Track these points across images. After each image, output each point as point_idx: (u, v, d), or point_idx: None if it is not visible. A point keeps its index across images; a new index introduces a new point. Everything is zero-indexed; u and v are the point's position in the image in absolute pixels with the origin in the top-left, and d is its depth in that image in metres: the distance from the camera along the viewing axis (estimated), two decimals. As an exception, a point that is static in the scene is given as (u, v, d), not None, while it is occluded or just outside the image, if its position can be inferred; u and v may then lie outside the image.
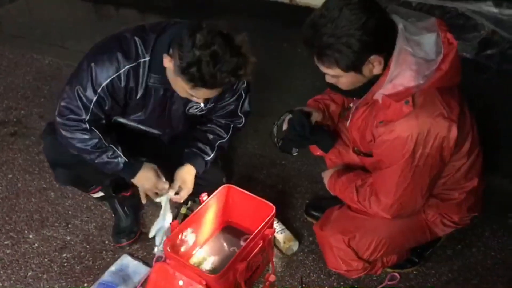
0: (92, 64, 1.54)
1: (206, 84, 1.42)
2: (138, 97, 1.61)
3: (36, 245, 2.05)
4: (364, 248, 1.65)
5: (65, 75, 2.97)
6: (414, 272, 1.89)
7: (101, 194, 1.98)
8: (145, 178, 1.75)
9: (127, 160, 1.71)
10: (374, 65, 1.37)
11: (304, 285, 1.88)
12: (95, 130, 1.64)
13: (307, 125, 1.62)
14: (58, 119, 1.63)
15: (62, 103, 1.61)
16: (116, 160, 1.70)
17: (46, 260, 1.99)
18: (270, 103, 2.68)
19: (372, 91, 1.45)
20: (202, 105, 1.62)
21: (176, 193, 1.79)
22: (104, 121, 1.67)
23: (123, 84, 1.56)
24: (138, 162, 1.74)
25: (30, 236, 2.09)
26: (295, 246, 1.97)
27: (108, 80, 1.54)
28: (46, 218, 2.16)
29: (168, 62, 1.48)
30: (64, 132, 1.64)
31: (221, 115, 1.82)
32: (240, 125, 1.85)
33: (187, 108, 1.72)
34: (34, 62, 3.16)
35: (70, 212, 2.19)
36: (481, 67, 2.85)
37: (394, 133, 1.41)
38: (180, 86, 1.50)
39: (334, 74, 1.41)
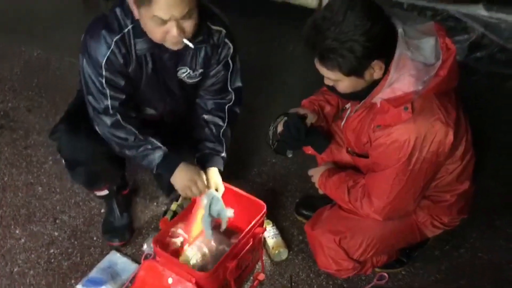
0: (87, 50, 1.56)
1: None
2: (130, 69, 1.61)
3: (22, 240, 2.03)
4: (354, 248, 1.66)
5: (54, 67, 2.99)
6: (403, 272, 1.90)
7: (106, 192, 1.95)
8: (181, 178, 1.70)
9: (167, 151, 1.69)
10: (375, 69, 1.37)
11: (293, 284, 1.88)
12: (129, 123, 1.65)
13: (302, 128, 1.62)
14: (93, 118, 1.66)
15: (86, 100, 1.64)
16: (155, 151, 1.68)
17: (32, 256, 1.97)
18: (262, 101, 2.68)
19: (371, 95, 1.45)
20: (189, 43, 1.52)
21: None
22: (133, 114, 1.68)
23: (119, 57, 1.56)
24: (177, 158, 1.70)
25: (17, 231, 2.06)
26: (284, 253, 1.96)
27: (106, 58, 1.55)
28: (33, 213, 2.14)
29: (136, 12, 1.47)
30: (100, 128, 1.66)
31: (213, 90, 1.77)
32: (232, 103, 1.79)
33: (178, 75, 1.69)
34: (22, 55, 3.11)
35: (57, 208, 2.16)
36: (470, 69, 2.89)
37: (391, 137, 1.42)
38: (146, 18, 1.44)
39: (334, 78, 1.41)
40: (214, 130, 1.80)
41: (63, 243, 2.02)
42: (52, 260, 1.95)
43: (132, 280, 1.81)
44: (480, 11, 2.80)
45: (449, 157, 1.52)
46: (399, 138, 1.41)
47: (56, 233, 2.05)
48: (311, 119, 1.69)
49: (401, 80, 1.37)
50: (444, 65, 1.38)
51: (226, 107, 1.79)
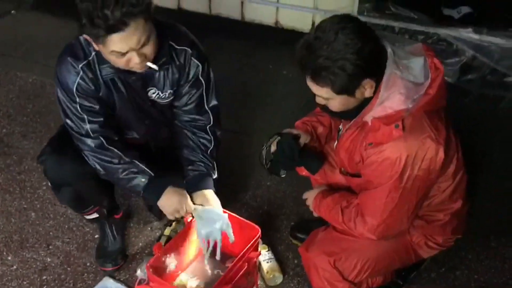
0: (58, 78, 1.61)
1: (107, 28, 1.35)
2: (101, 94, 1.64)
3: (15, 267, 2.00)
4: (349, 269, 1.65)
5: (49, 93, 3.00)
6: (399, 295, 1.89)
7: (95, 215, 1.94)
8: (170, 202, 1.70)
9: (152, 175, 1.69)
10: (366, 88, 1.39)
11: (288, 309, 1.86)
12: (113, 147, 1.66)
13: (295, 148, 1.63)
14: (77, 143, 1.68)
15: (66, 125, 1.67)
16: (140, 175, 1.68)
17: (25, 282, 1.94)
18: (256, 123, 2.70)
19: (362, 114, 1.47)
20: (153, 66, 1.53)
21: None
22: (117, 137, 1.70)
23: (89, 83, 1.60)
24: (163, 182, 1.70)
25: (9, 257, 2.04)
26: (279, 278, 1.94)
27: (76, 84, 1.59)
28: (26, 239, 2.12)
29: (94, 45, 1.49)
30: (85, 153, 1.68)
31: (189, 110, 1.75)
32: (211, 123, 1.77)
33: (149, 95, 1.69)
34: (18, 80, 3.13)
35: (51, 233, 2.14)
36: (462, 91, 2.92)
37: (383, 154, 1.43)
38: (106, 53, 1.46)
39: (326, 96, 1.43)
40: (202, 152, 1.78)
41: (56, 269, 1.99)
42: (45, 287, 1.93)
43: (126, 306, 1.79)
44: (470, 34, 2.85)
45: (441, 175, 1.52)
46: (391, 156, 1.42)
47: (49, 259, 2.03)
48: (304, 139, 1.70)
49: (391, 98, 1.39)
50: (433, 84, 1.41)
51: (208, 128, 1.78)
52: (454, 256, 2.00)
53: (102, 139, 1.65)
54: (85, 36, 1.49)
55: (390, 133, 1.40)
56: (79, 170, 1.72)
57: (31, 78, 3.14)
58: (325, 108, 1.49)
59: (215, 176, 1.80)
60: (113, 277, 1.94)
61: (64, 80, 1.59)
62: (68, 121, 1.65)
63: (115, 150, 1.67)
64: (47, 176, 1.79)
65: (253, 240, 1.76)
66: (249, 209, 2.25)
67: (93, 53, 1.57)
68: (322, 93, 1.42)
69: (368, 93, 1.41)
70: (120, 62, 1.48)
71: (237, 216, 1.87)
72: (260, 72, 3.20)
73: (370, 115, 1.44)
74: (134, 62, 1.47)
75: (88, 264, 2.01)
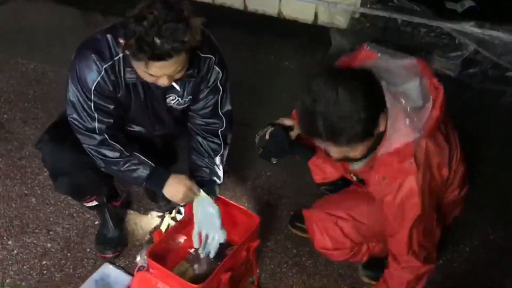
0: (77, 73, 1.55)
1: (151, 55, 1.37)
2: (119, 95, 1.61)
3: (15, 251, 2.01)
4: (351, 227, 1.67)
5: (50, 80, 3.00)
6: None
7: (95, 203, 1.94)
8: (177, 190, 1.70)
9: (153, 165, 1.68)
10: (381, 124, 1.37)
11: (287, 297, 1.87)
12: (115, 142, 1.64)
13: (286, 140, 1.65)
14: (77, 135, 1.66)
15: (70, 119, 1.63)
16: (141, 166, 1.67)
17: (25, 267, 1.95)
18: (258, 114, 2.69)
19: (376, 151, 1.45)
20: (177, 87, 1.57)
21: None
22: (119, 132, 1.68)
23: (108, 84, 1.56)
24: (165, 171, 1.71)
25: (9, 242, 2.05)
26: None
27: (95, 83, 1.55)
28: (26, 224, 2.12)
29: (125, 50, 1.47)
30: (85, 146, 1.65)
31: (203, 114, 1.75)
32: (224, 127, 1.78)
33: (167, 102, 1.69)
34: (19, 67, 3.12)
35: (51, 219, 2.15)
36: (463, 85, 2.92)
37: (400, 192, 1.44)
38: (139, 69, 1.48)
39: (349, 149, 1.39)
40: (210, 158, 1.78)
41: (56, 254, 2.00)
42: (45, 272, 1.94)
43: (126, 291, 1.81)
44: (472, 28, 2.84)
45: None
46: (407, 193, 1.43)
47: (49, 245, 2.04)
48: (296, 131, 1.69)
49: (398, 132, 1.38)
50: (435, 105, 1.40)
51: (220, 132, 1.79)
52: (453, 248, 2.02)
53: (106, 136, 1.63)
54: (120, 40, 1.45)
55: (405, 171, 1.41)
56: (77, 160, 1.71)
57: (32, 65, 3.13)
58: (344, 159, 1.45)
59: (220, 182, 1.80)
60: (113, 264, 1.95)
61: (83, 76, 1.54)
62: (75, 116, 1.61)
63: (117, 145, 1.65)
64: (44, 163, 1.79)
65: (253, 229, 1.78)
66: (249, 199, 2.26)
67: (120, 56, 1.53)
68: (346, 150, 1.39)
69: (382, 127, 1.38)
70: (148, 79, 1.50)
71: (237, 204, 1.89)
72: (262, 63, 3.20)
73: (382, 151, 1.43)
74: (161, 82, 1.49)
75: (88, 250, 2.02)
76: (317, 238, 1.74)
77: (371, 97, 1.31)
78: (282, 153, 1.68)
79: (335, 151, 1.40)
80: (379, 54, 1.49)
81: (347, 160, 1.47)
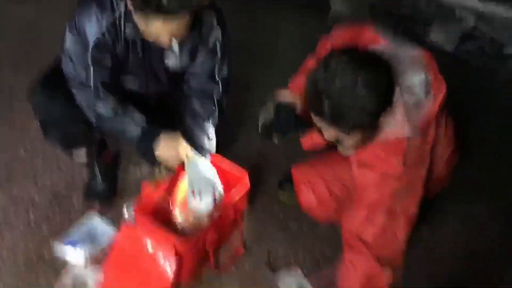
0: (76, 26, 1.54)
1: (157, 9, 1.35)
2: (118, 51, 1.59)
3: (2, 202, 2.01)
4: (338, 188, 1.69)
5: (41, 27, 2.90)
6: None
7: (84, 157, 1.93)
8: (169, 154, 1.70)
9: (146, 125, 1.67)
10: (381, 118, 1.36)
11: (271, 260, 1.90)
12: (109, 97, 1.63)
13: (292, 118, 1.62)
14: (71, 89, 1.64)
15: (65, 72, 1.61)
16: (134, 125, 1.66)
17: (12, 218, 1.96)
18: (256, 77, 2.67)
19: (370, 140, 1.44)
20: (176, 48, 1.57)
21: None
22: (113, 90, 1.66)
23: (108, 38, 1.54)
24: (157, 132, 1.69)
25: (-3, 193, 2.04)
26: None
27: (95, 37, 1.53)
28: (14, 175, 2.12)
29: (131, 8, 1.46)
30: (78, 99, 1.64)
31: (200, 75, 1.74)
32: (220, 92, 1.77)
33: (165, 62, 1.68)
34: (9, 13, 3.03)
35: (39, 171, 2.14)
36: (459, 61, 2.90)
37: (371, 183, 1.44)
38: (141, 25, 1.47)
39: (349, 137, 1.38)
40: (204, 122, 1.77)
41: (43, 206, 2.00)
42: (32, 224, 1.94)
43: (111, 244, 1.81)
44: (473, 2, 2.81)
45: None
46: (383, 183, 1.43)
47: (37, 196, 2.04)
48: (299, 108, 1.67)
49: (394, 124, 1.37)
50: (435, 103, 1.38)
51: (215, 98, 1.77)
52: (436, 222, 2.03)
53: (100, 91, 1.62)
54: None
55: (390, 165, 1.40)
56: (69, 112, 1.70)
57: (24, 13, 3.04)
58: (336, 141, 1.43)
59: (213, 150, 1.80)
60: (100, 216, 1.96)
61: (83, 29, 1.53)
62: (70, 68, 1.60)
63: (110, 101, 1.64)
64: (35, 114, 1.78)
65: (243, 192, 1.79)
66: (238, 161, 2.24)
67: (122, 10, 1.51)
68: (343, 135, 1.37)
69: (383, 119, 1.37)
70: (149, 36, 1.48)
71: (227, 162, 1.89)
72: (260, 25, 3.15)
73: (374, 139, 1.43)
74: (163, 40, 1.47)
75: (76, 203, 2.02)
76: (303, 197, 1.75)
77: (387, 94, 1.30)
78: (288, 131, 1.67)
79: (331, 133, 1.38)
80: (386, 40, 1.45)
81: (337, 143, 1.46)
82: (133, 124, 1.67)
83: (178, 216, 1.79)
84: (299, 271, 1.84)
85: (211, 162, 1.79)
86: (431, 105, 1.38)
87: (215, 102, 1.77)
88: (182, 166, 1.78)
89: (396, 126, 1.36)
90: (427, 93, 1.37)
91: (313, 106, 1.34)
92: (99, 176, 2.02)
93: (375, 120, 1.33)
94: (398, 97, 1.34)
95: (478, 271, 1.90)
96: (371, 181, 1.44)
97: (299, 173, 1.76)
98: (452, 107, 1.56)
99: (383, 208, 1.43)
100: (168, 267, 1.66)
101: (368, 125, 1.34)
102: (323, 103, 1.29)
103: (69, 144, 1.90)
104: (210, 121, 1.78)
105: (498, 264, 1.93)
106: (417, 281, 1.82)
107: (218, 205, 1.72)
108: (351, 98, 1.26)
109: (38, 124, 1.83)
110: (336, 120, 1.31)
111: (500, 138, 2.47)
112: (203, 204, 1.72)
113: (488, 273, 1.89)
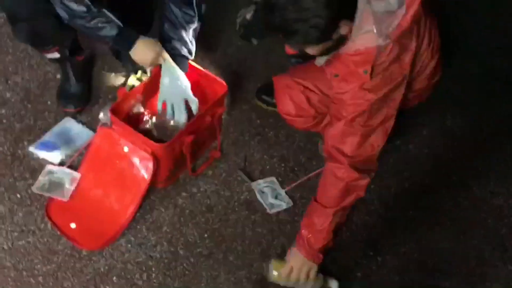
0: None
1: None
2: None
3: (-28, 100, 1.96)
4: (316, 98, 1.69)
5: None
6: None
7: (56, 55, 1.84)
8: (145, 53, 1.65)
9: (122, 25, 1.60)
10: (342, 29, 1.31)
11: (247, 164, 1.94)
12: None
13: None
14: None
15: None
16: (109, 25, 1.59)
17: (-17, 114, 1.92)
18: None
19: (339, 50, 1.40)
20: None
21: None
22: None
23: None
24: (133, 33, 1.64)
25: (-34, 89, 1.98)
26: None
27: None
28: (-17, 72, 2.04)
29: None
30: None
31: None
32: (197, 0, 1.70)
33: None
34: None
35: (10, 69, 2.06)
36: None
37: (346, 95, 1.42)
38: None
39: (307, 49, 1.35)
40: (183, 30, 1.71)
41: (15, 104, 1.96)
42: (4, 121, 1.91)
43: (87, 147, 1.81)
44: None
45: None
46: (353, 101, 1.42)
47: (8, 94, 1.99)
48: None
49: (362, 35, 1.32)
50: (407, 14, 1.31)
51: (194, 3, 1.70)
52: (411, 131, 2.07)
53: None
54: None
55: (357, 76, 1.37)
56: (39, 5, 1.59)
57: None
58: (302, 53, 1.41)
59: (191, 57, 1.75)
60: (75, 118, 1.93)
61: None
62: None
63: None
64: (1, 7, 1.67)
65: (220, 96, 1.77)
66: (217, 67, 2.21)
67: None
68: (301, 47, 1.35)
69: (343, 30, 1.31)
70: None
71: (206, 70, 1.85)
72: None
73: (344, 50, 1.38)
74: None
75: (49, 103, 1.98)
76: (281, 103, 1.75)
77: (335, 7, 1.24)
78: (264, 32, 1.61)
79: (291, 46, 1.38)
80: None
81: (305, 54, 1.43)
82: (107, 25, 1.59)
83: (151, 123, 1.79)
84: (274, 179, 1.89)
85: (190, 72, 1.75)
86: (403, 16, 1.32)
87: (195, 8, 1.71)
88: (158, 68, 1.74)
89: (365, 36, 1.33)
90: (400, 2, 1.32)
91: (266, 23, 1.31)
92: (73, 78, 1.95)
93: (326, 33, 1.29)
94: (365, 5, 1.30)
95: (441, 175, 1.99)
96: (347, 93, 1.43)
97: (279, 82, 1.74)
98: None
99: (359, 120, 1.44)
100: (143, 169, 1.67)
101: (318, 39, 1.30)
102: (272, 19, 1.27)
103: (38, 42, 1.80)
104: (189, 28, 1.72)
105: (462, 174, 2.01)
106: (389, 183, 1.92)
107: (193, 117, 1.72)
108: (296, 10, 1.23)
109: (7, 19, 1.72)
110: (286, 36, 1.30)
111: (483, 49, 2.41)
112: (176, 117, 1.72)
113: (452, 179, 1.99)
